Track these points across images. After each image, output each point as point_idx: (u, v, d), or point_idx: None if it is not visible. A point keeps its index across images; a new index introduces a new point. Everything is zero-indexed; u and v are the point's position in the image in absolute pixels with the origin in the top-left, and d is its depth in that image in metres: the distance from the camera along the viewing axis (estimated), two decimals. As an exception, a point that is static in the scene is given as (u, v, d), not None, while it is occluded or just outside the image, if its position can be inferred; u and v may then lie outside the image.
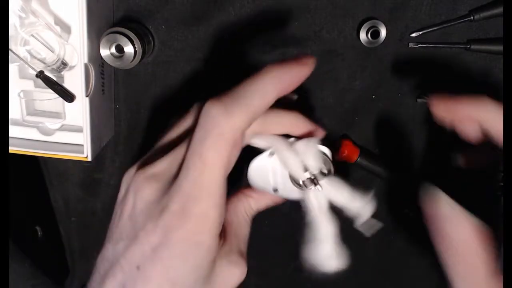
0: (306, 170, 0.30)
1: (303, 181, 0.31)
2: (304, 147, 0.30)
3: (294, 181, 0.31)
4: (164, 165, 0.27)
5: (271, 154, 0.31)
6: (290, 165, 0.30)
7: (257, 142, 0.30)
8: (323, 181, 0.31)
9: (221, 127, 0.25)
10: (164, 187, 0.26)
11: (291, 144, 0.30)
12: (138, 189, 0.27)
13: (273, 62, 0.27)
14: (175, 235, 0.25)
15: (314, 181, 0.31)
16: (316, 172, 0.31)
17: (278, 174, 0.32)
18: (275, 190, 0.33)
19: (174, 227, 0.25)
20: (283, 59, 0.28)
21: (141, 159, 0.30)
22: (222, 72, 0.43)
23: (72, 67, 0.39)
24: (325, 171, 0.31)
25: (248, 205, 0.33)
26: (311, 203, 0.32)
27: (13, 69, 0.39)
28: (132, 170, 0.29)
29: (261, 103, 0.26)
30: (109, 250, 0.27)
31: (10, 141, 0.39)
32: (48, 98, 0.39)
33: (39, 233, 0.49)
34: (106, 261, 0.27)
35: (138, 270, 0.25)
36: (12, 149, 0.39)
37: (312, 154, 0.30)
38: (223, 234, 0.30)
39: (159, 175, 0.27)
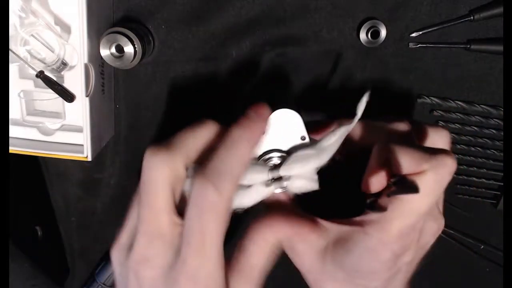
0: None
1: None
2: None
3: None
4: (157, 249, 0.29)
5: None
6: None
7: None
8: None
9: (215, 205, 0.27)
10: (163, 270, 0.29)
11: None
12: (138, 275, 0.29)
13: (238, 124, 0.29)
14: (139, 274, 0.28)
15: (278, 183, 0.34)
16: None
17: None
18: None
19: (137, 269, 0.28)
20: (244, 117, 0.30)
21: (122, 233, 0.32)
22: (222, 72, 0.43)
23: (72, 67, 0.39)
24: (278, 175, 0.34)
25: (273, 238, 0.32)
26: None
27: (13, 69, 0.39)
28: (118, 250, 0.31)
29: (242, 168, 0.29)
30: None
31: (10, 141, 0.39)
32: (48, 98, 0.39)
33: (39, 233, 0.49)
34: None
35: None
36: (12, 149, 0.39)
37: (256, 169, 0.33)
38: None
39: (152, 259, 0.29)
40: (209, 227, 0.28)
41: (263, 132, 0.31)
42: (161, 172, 0.29)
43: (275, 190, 0.35)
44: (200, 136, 0.30)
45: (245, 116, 0.30)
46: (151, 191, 0.29)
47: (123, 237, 0.31)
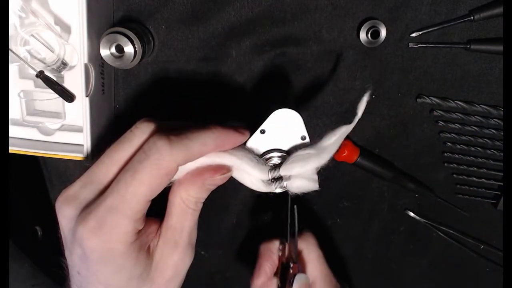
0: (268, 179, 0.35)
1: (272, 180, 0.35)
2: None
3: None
4: (78, 187, 0.31)
5: (262, 132, 0.35)
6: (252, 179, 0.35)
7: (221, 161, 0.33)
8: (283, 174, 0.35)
9: (161, 155, 0.29)
10: (80, 207, 0.30)
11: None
12: (59, 212, 0.31)
13: (218, 126, 0.32)
14: (89, 245, 0.29)
15: (278, 182, 0.35)
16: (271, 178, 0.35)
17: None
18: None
19: (88, 238, 0.29)
20: (226, 126, 0.33)
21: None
22: (222, 72, 0.43)
23: (72, 67, 0.39)
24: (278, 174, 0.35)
25: (185, 194, 0.32)
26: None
27: (13, 69, 0.39)
28: (61, 194, 0.32)
29: (199, 150, 0.31)
30: (65, 257, 0.33)
31: (10, 141, 0.39)
32: (48, 98, 0.39)
33: (39, 233, 0.49)
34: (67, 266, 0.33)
35: (79, 274, 0.31)
36: (12, 149, 0.39)
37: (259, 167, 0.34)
38: (158, 230, 0.33)
39: (75, 197, 0.31)
40: (142, 173, 0.29)
41: (232, 144, 0.33)
42: (140, 136, 0.31)
43: (275, 190, 0.35)
44: (205, 147, 0.32)
45: (229, 126, 0.33)
46: (121, 144, 0.31)
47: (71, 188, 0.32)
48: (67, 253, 0.32)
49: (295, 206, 0.38)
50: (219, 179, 0.32)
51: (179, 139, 0.30)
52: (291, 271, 0.38)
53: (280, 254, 0.41)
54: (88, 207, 0.30)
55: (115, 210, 0.29)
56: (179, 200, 0.32)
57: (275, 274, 0.41)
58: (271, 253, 0.41)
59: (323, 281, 0.40)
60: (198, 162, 0.32)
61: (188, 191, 0.32)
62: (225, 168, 0.33)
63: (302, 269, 0.40)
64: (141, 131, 0.31)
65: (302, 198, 0.37)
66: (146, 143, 0.30)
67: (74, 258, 0.31)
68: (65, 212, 0.30)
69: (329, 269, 0.41)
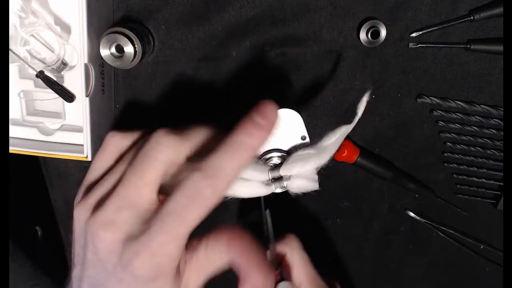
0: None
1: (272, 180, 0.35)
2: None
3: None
4: (112, 211, 0.29)
5: None
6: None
7: None
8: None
9: (204, 199, 0.28)
10: (124, 233, 0.29)
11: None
12: (96, 235, 0.29)
13: (243, 128, 0.29)
14: (137, 270, 0.28)
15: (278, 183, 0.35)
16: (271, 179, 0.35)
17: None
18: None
19: (137, 262, 0.28)
20: (249, 121, 0.30)
21: (91, 193, 0.31)
22: (222, 72, 0.43)
23: (72, 67, 0.39)
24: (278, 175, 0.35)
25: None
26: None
27: (13, 69, 0.39)
28: (83, 207, 0.31)
29: (239, 172, 0.29)
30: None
31: (10, 141, 0.39)
32: (48, 98, 0.39)
33: (39, 233, 0.49)
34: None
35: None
36: (12, 149, 0.39)
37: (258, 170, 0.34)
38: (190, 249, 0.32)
39: (112, 222, 0.29)
40: (189, 216, 0.28)
41: (268, 138, 0.30)
42: (166, 152, 0.29)
43: (275, 190, 0.35)
44: (206, 136, 0.31)
45: (251, 120, 0.30)
46: (147, 163, 0.29)
47: (92, 197, 0.31)
48: (104, 273, 0.30)
49: (267, 212, 0.37)
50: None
51: (215, 171, 0.29)
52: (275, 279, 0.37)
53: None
54: (138, 238, 0.28)
55: (166, 242, 0.28)
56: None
57: None
58: None
59: (309, 285, 0.39)
60: None
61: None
62: None
63: (287, 274, 0.40)
64: (165, 146, 0.30)
65: (301, 198, 0.37)
66: (187, 182, 0.28)
67: (117, 277, 0.29)
68: (105, 236, 0.29)
69: (315, 271, 0.40)
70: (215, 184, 0.28)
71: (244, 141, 0.29)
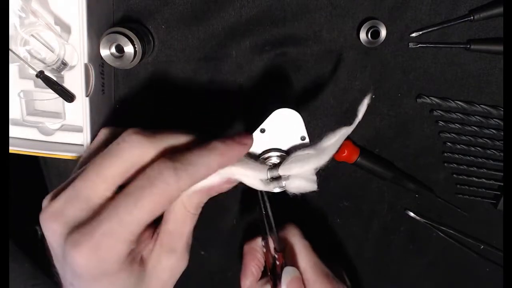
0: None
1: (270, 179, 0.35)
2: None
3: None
4: (62, 202, 0.30)
5: (262, 131, 0.35)
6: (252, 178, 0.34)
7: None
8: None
9: (167, 185, 0.28)
10: (68, 226, 0.29)
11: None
12: (45, 227, 0.30)
13: (218, 140, 0.31)
14: (81, 267, 0.28)
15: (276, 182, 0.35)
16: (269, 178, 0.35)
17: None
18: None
19: (80, 261, 0.28)
20: (226, 137, 0.31)
21: (58, 188, 0.32)
22: (222, 72, 0.43)
23: (72, 67, 0.39)
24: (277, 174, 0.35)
25: (187, 200, 0.31)
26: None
27: (13, 69, 0.39)
28: (45, 200, 0.32)
29: (205, 173, 0.30)
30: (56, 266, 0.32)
31: (10, 141, 0.39)
32: (48, 98, 0.39)
33: (39, 233, 0.49)
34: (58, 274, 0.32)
35: (72, 286, 0.30)
36: (12, 149, 0.39)
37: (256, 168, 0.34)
38: (154, 235, 0.32)
39: (60, 214, 0.29)
40: (144, 200, 0.27)
41: (236, 158, 0.32)
42: (129, 151, 0.29)
43: (274, 189, 0.35)
44: (179, 141, 0.31)
45: (230, 137, 0.32)
46: (108, 159, 0.29)
47: (55, 189, 0.31)
48: (58, 266, 0.31)
49: (265, 197, 0.37)
50: (225, 188, 0.33)
51: (184, 166, 0.28)
52: (277, 262, 0.37)
53: (265, 250, 0.40)
54: (79, 229, 0.28)
55: (112, 235, 0.27)
56: (179, 205, 0.31)
57: (269, 271, 0.40)
58: (255, 251, 0.41)
59: (313, 270, 0.39)
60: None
61: (191, 199, 0.31)
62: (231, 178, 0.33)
63: (290, 260, 0.39)
64: (130, 145, 0.29)
65: (301, 198, 0.37)
66: (151, 169, 0.28)
67: (66, 273, 0.30)
68: (52, 227, 0.29)
69: (317, 257, 0.40)
70: (180, 175, 0.28)
71: (219, 147, 0.30)
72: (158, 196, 0.28)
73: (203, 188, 0.32)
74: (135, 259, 0.31)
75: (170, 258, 0.32)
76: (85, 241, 0.27)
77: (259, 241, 0.41)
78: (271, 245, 0.39)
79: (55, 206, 0.30)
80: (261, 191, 0.37)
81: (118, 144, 0.30)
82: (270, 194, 0.37)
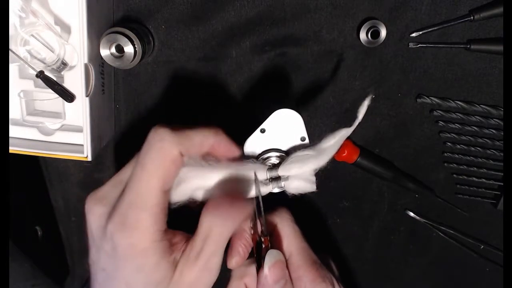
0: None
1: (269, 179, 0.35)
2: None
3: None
4: (108, 187, 0.33)
5: (262, 131, 0.35)
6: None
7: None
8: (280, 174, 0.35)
9: (163, 142, 0.30)
10: (110, 206, 0.31)
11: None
12: (89, 211, 0.32)
13: (218, 128, 0.34)
14: (116, 241, 0.30)
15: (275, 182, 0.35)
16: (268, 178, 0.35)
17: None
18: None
19: (115, 233, 0.30)
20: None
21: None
22: (222, 72, 0.43)
23: (72, 67, 0.39)
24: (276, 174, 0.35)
25: (216, 226, 0.32)
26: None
27: (13, 69, 0.39)
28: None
29: (200, 140, 0.32)
30: (90, 256, 0.34)
31: (10, 141, 0.39)
32: (48, 98, 0.39)
33: (39, 233, 0.49)
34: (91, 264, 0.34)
35: (104, 271, 0.32)
36: (12, 149, 0.39)
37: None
38: (184, 245, 0.33)
39: (105, 197, 0.32)
40: (149, 163, 0.30)
41: (224, 153, 0.35)
42: (168, 151, 0.31)
43: (273, 190, 0.35)
44: (206, 138, 0.33)
45: (226, 135, 0.34)
46: (146, 150, 0.31)
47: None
48: (93, 251, 0.32)
49: (257, 180, 0.36)
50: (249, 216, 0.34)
51: (181, 128, 0.31)
52: (263, 246, 0.37)
53: (253, 232, 0.40)
54: (114, 205, 0.31)
55: (133, 205, 0.30)
56: (208, 224, 0.31)
57: (254, 253, 0.39)
58: (243, 231, 0.40)
59: (300, 255, 0.38)
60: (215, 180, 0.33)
61: (220, 229, 0.32)
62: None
63: (277, 244, 0.39)
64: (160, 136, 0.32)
65: (301, 198, 0.37)
66: (149, 134, 0.31)
67: (101, 255, 0.31)
68: (95, 210, 0.32)
69: (306, 243, 0.39)
70: (176, 133, 0.31)
71: (214, 128, 0.33)
72: (158, 156, 0.30)
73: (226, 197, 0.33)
74: (166, 252, 0.31)
75: (190, 272, 0.31)
76: (115, 214, 0.30)
77: (248, 222, 0.41)
78: (259, 228, 0.39)
79: (100, 192, 0.32)
80: (255, 173, 0.36)
81: (150, 142, 0.32)
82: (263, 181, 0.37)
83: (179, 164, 0.31)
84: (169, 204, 0.34)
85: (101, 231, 0.31)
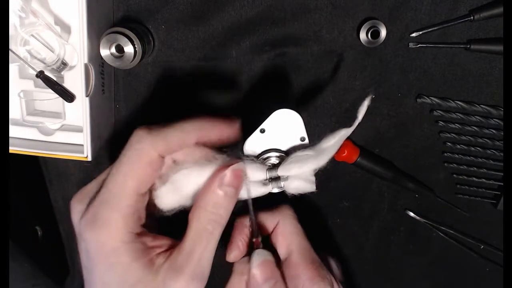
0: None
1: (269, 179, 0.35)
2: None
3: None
4: (92, 185, 0.33)
5: (262, 131, 0.35)
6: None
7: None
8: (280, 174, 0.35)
9: (140, 143, 0.30)
10: (89, 202, 0.32)
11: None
12: (71, 208, 0.33)
13: (203, 115, 0.33)
14: (86, 238, 0.30)
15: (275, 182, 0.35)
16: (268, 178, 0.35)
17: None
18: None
19: (85, 230, 0.30)
20: (214, 116, 0.33)
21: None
22: (222, 72, 0.43)
23: (72, 67, 0.39)
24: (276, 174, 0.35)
25: (203, 211, 0.31)
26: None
27: (13, 69, 0.39)
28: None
29: (179, 137, 0.32)
30: None
31: (10, 141, 0.39)
32: (48, 98, 0.39)
33: (39, 233, 0.49)
34: None
35: (85, 269, 0.32)
36: (12, 149, 0.39)
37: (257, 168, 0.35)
38: (169, 250, 0.32)
39: (86, 194, 0.33)
40: (124, 164, 0.31)
41: (217, 136, 0.34)
42: (145, 153, 0.31)
43: (273, 190, 0.35)
44: (187, 134, 0.32)
45: (217, 116, 0.34)
46: (125, 152, 0.32)
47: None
48: (78, 248, 0.33)
49: (249, 184, 0.36)
50: (231, 174, 0.32)
51: (159, 127, 0.31)
52: (254, 247, 0.37)
53: (250, 230, 0.39)
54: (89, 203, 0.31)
55: (105, 204, 0.30)
56: (195, 222, 0.31)
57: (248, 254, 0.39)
58: (244, 226, 0.39)
59: (299, 254, 0.37)
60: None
61: (203, 204, 0.31)
62: (234, 164, 0.32)
63: (279, 241, 0.38)
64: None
65: (301, 198, 0.37)
66: (131, 136, 0.31)
67: (81, 253, 0.32)
68: (76, 207, 0.32)
69: (308, 242, 0.39)
70: (154, 133, 0.31)
71: (197, 119, 0.33)
72: (135, 158, 0.30)
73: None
74: (141, 255, 0.31)
75: (176, 280, 0.30)
76: (88, 211, 0.30)
77: (248, 219, 0.40)
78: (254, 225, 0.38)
79: (84, 189, 0.33)
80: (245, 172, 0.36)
81: (128, 146, 0.32)
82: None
83: (157, 166, 0.31)
84: (162, 211, 0.34)
85: (78, 228, 0.31)
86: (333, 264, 0.42)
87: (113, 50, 0.38)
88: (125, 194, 0.30)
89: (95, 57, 0.38)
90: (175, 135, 0.31)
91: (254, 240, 0.37)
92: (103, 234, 0.30)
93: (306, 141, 0.36)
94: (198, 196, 0.32)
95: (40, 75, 0.37)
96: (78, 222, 0.31)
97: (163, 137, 0.31)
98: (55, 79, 0.37)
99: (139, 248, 0.31)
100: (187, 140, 0.32)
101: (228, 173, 0.32)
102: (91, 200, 0.31)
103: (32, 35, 0.38)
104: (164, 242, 0.33)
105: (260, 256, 0.35)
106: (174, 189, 0.33)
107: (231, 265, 0.49)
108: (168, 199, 0.33)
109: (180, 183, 0.32)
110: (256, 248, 0.36)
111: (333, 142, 0.34)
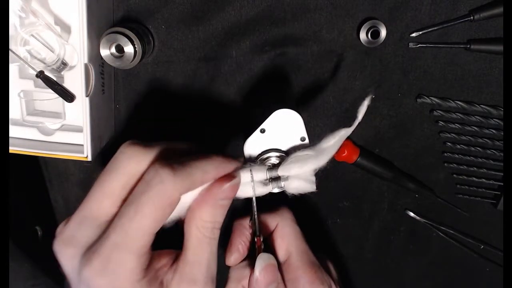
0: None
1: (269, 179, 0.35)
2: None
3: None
4: (74, 225, 0.30)
5: (262, 131, 0.35)
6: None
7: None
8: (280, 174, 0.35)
9: (164, 185, 0.28)
10: (81, 247, 0.29)
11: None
12: (59, 254, 0.30)
13: (218, 154, 0.32)
14: (97, 285, 0.28)
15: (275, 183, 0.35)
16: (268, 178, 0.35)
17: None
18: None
19: (93, 279, 0.28)
20: (225, 155, 0.32)
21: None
22: (222, 72, 0.43)
23: (72, 67, 0.39)
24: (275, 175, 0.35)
25: (200, 221, 0.31)
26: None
27: (13, 69, 0.39)
28: (59, 227, 0.32)
29: (201, 178, 0.30)
30: None
31: (10, 141, 0.39)
32: (48, 98, 0.39)
33: (39, 233, 0.49)
34: None
35: None
36: (12, 149, 0.39)
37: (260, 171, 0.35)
38: (174, 264, 0.31)
39: (73, 237, 0.30)
40: (145, 205, 0.28)
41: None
42: (128, 162, 0.30)
43: (273, 190, 0.35)
44: (177, 150, 0.32)
45: (228, 157, 0.32)
46: (108, 174, 0.30)
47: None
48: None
49: (253, 183, 0.36)
50: (229, 189, 0.31)
51: (182, 167, 0.29)
52: (256, 246, 0.36)
53: (251, 231, 0.39)
54: (91, 247, 0.29)
55: (119, 247, 0.28)
56: (194, 230, 0.31)
57: (248, 256, 0.39)
58: (243, 228, 0.39)
59: (298, 256, 0.37)
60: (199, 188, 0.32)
61: (202, 216, 0.31)
62: (231, 175, 0.32)
63: (277, 244, 0.38)
64: (128, 156, 0.30)
65: (301, 198, 0.37)
66: (147, 173, 0.29)
67: None
68: (66, 252, 0.29)
69: (306, 245, 0.39)
70: (177, 174, 0.28)
71: (217, 158, 0.31)
72: (156, 200, 0.28)
73: (204, 190, 0.32)
74: (152, 284, 0.30)
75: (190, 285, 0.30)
76: (95, 257, 0.28)
77: (248, 220, 0.40)
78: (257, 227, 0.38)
79: (66, 232, 0.30)
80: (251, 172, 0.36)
81: (116, 158, 0.30)
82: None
83: (176, 204, 0.30)
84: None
85: (76, 273, 0.29)
86: (331, 266, 0.42)
87: (113, 50, 0.38)
88: (143, 235, 0.28)
89: (95, 57, 0.38)
90: (198, 176, 0.30)
91: (256, 239, 0.36)
92: (118, 279, 0.28)
93: (306, 141, 0.36)
94: (194, 205, 0.31)
95: (40, 75, 0.37)
96: (77, 268, 0.29)
97: (186, 178, 0.29)
98: (55, 79, 0.37)
99: (151, 278, 0.30)
100: (206, 180, 0.31)
101: (227, 188, 0.31)
102: (85, 243, 0.29)
103: (32, 35, 0.38)
104: (167, 257, 0.32)
105: (264, 260, 0.35)
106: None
107: (226, 269, 0.48)
108: None
109: (184, 198, 0.31)
110: (258, 247, 0.36)
111: (333, 142, 0.34)
